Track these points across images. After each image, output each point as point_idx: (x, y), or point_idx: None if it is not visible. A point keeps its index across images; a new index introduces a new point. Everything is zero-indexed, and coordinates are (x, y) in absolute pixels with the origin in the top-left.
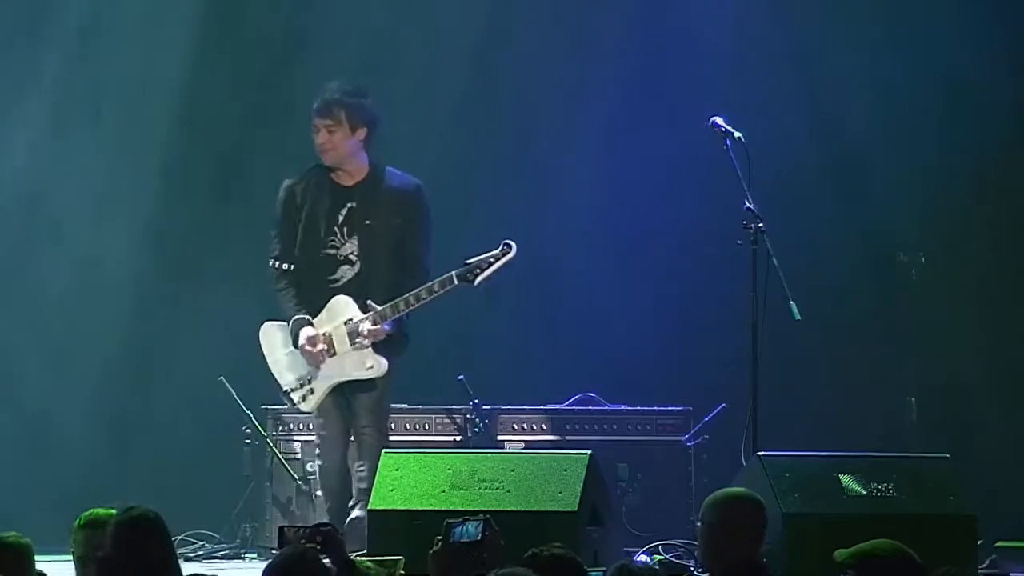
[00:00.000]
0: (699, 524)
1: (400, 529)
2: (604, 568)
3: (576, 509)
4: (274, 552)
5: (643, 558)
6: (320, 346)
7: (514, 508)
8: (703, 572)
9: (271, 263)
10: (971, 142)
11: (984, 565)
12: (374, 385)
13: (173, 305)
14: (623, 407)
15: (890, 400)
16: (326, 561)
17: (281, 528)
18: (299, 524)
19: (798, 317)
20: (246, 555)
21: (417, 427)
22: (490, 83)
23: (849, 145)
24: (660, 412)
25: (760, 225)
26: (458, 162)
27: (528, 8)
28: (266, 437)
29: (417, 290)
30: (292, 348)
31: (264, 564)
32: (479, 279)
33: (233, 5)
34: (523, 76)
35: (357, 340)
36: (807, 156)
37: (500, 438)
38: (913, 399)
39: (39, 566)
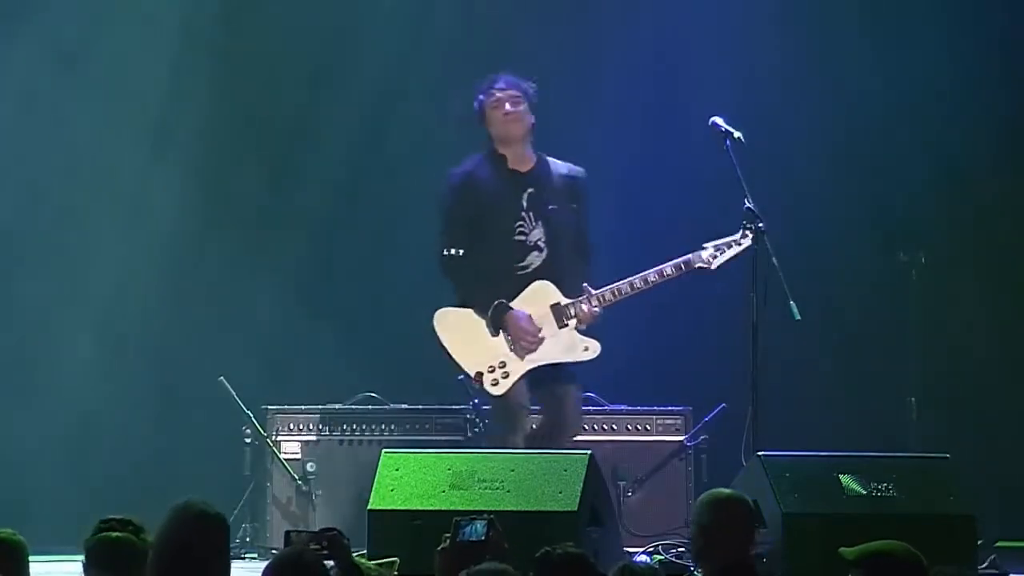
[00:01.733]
0: (691, 526)
1: (400, 529)
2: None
3: (576, 509)
4: (274, 552)
5: (643, 558)
6: (531, 329)
7: (514, 508)
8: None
9: (443, 251)
10: (972, 142)
11: (984, 565)
12: (575, 378)
13: (173, 304)
14: (623, 407)
15: (890, 400)
16: (329, 564)
17: (287, 532)
18: (305, 528)
19: (798, 317)
20: (246, 555)
21: (417, 427)
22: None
23: (849, 145)
24: (660, 412)
25: (760, 225)
26: (458, 162)
27: (532, 9)
28: (266, 437)
29: (645, 273)
30: (478, 332)
31: (264, 564)
32: (716, 263)
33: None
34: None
35: (568, 323)
36: (807, 156)
37: None
38: (913, 399)
39: (40, 566)
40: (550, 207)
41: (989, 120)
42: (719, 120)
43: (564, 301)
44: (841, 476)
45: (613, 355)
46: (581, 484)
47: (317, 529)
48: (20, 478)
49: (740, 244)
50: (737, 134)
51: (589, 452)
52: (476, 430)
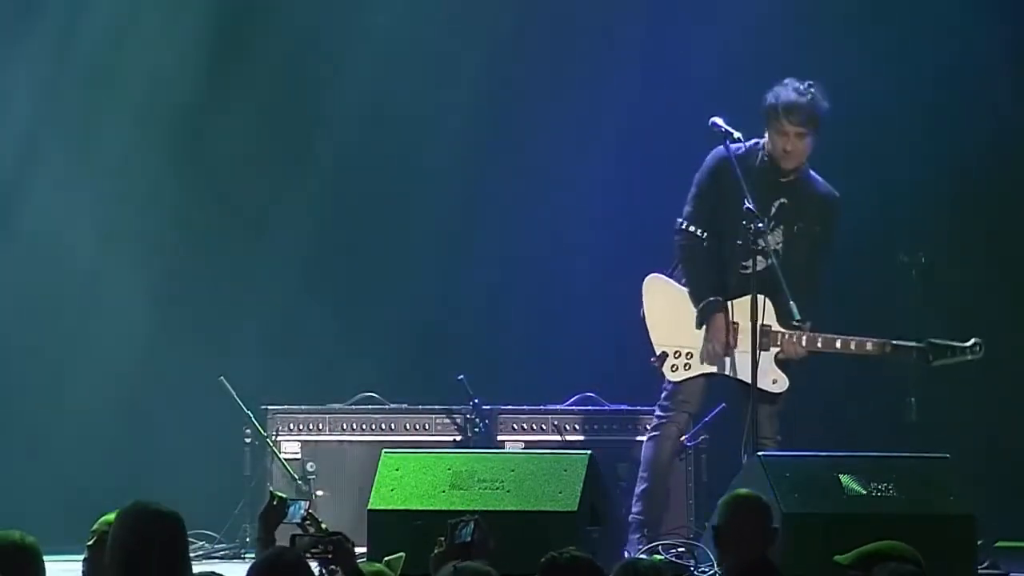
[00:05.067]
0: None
1: (400, 529)
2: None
3: (576, 509)
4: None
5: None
6: (726, 340)
7: (514, 508)
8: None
9: (681, 223)
10: (972, 141)
11: (984, 565)
12: (776, 399)
13: (173, 305)
14: (623, 407)
15: (890, 400)
16: (334, 568)
17: (293, 536)
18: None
19: (798, 317)
20: (246, 555)
21: (417, 427)
22: (497, 85)
23: (849, 145)
24: None
25: (760, 225)
26: (462, 162)
27: (537, 11)
28: (266, 437)
29: (865, 339)
30: (682, 314)
31: None
32: (937, 363)
33: (238, 21)
34: (530, 78)
35: (770, 348)
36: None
37: (500, 438)
38: (913, 399)
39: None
40: (796, 225)
41: (989, 120)
42: (719, 120)
43: (776, 327)
44: (841, 476)
45: (613, 355)
46: (581, 484)
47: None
48: (19, 479)
49: (965, 355)
50: (737, 134)
51: (589, 452)
52: (476, 430)
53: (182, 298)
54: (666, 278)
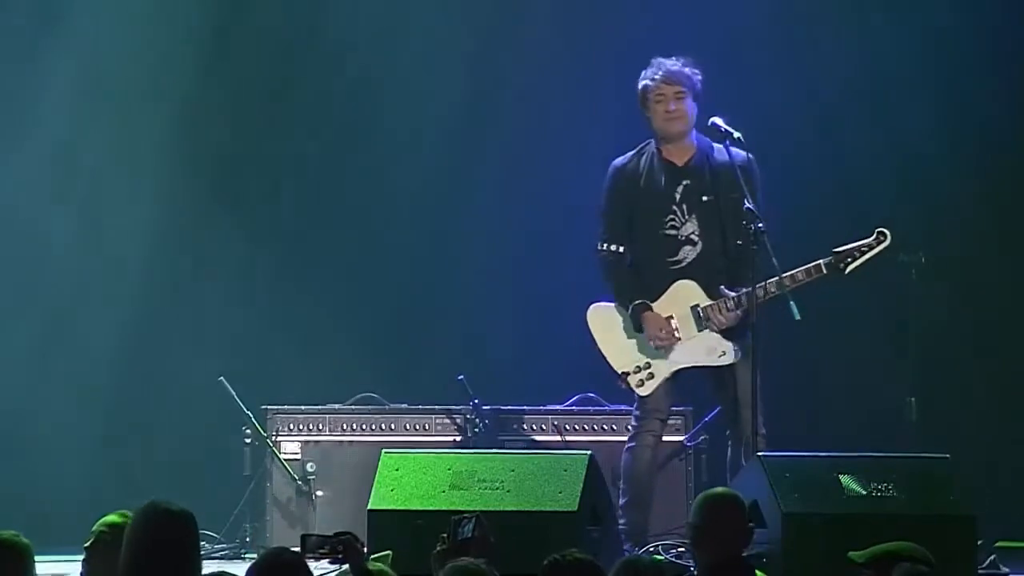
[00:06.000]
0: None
1: (400, 529)
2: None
3: (576, 509)
4: None
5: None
6: (666, 331)
7: (514, 508)
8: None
9: (601, 246)
10: (973, 140)
11: (984, 565)
12: (747, 377)
13: (173, 305)
14: (623, 407)
15: (890, 400)
16: (345, 568)
17: (303, 536)
18: (321, 533)
19: (798, 317)
20: (246, 555)
21: (417, 427)
22: (494, 83)
23: (849, 145)
24: None
25: (760, 225)
26: (462, 161)
27: (531, 9)
28: (266, 437)
29: (778, 277)
30: (627, 331)
31: None
32: (850, 268)
33: (233, 11)
34: (526, 76)
35: (707, 325)
36: (807, 156)
37: (500, 438)
38: (913, 399)
39: (42, 567)
40: (704, 199)
41: (990, 120)
42: (719, 120)
43: (704, 303)
44: (841, 476)
45: None
46: (581, 484)
47: (332, 532)
48: (19, 479)
49: (873, 248)
50: (737, 134)
51: (589, 452)
52: (476, 430)
53: (182, 298)
54: (605, 304)
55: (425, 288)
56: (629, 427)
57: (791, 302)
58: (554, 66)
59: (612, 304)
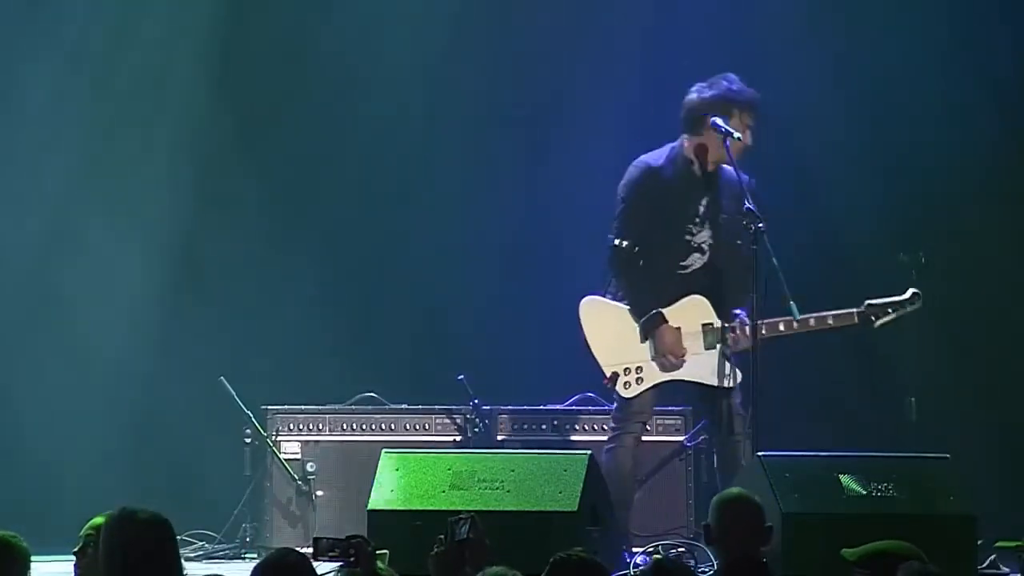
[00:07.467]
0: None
1: (400, 529)
2: None
3: (576, 509)
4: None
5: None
6: (678, 350)
7: (514, 508)
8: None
9: (614, 240)
10: (973, 140)
11: (984, 565)
12: (738, 398)
13: (173, 305)
14: None
15: (890, 400)
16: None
17: (315, 539)
18: (332, 536)
19: (798, 317)
20: (246, 555)
21: (417, 427)
22: (498, 81)
23: (849, 145)
24: (660, 412)
25: (760, 225)
26: (464, 161)
27: (542, 5)
28: (266, 437)
29: (807, 316)
30: (621, 329)
31: None
32: (880, 323)
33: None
34: (534, 74)
35: (716, 346)
36: (807, 157)
37: (500, 438)
38: (913, 399)
39: (42, 567)
40: (722, 216)
41: (991, 119)
42: (719, 121)
43: (717, 323)
44: (841, 476)
45: None
46: (581, 484)
47: (333, 533)
48: (19, 478)
49: (906, 308)
50: (737, 134)
51: (589, 452)
52: (476, 430)
53: (182, 298)
54: (600, 298)
55: (425, 288)
56: (607, 427)
57: (791, 302)
58: (555, 66)
59: (607, 299)
